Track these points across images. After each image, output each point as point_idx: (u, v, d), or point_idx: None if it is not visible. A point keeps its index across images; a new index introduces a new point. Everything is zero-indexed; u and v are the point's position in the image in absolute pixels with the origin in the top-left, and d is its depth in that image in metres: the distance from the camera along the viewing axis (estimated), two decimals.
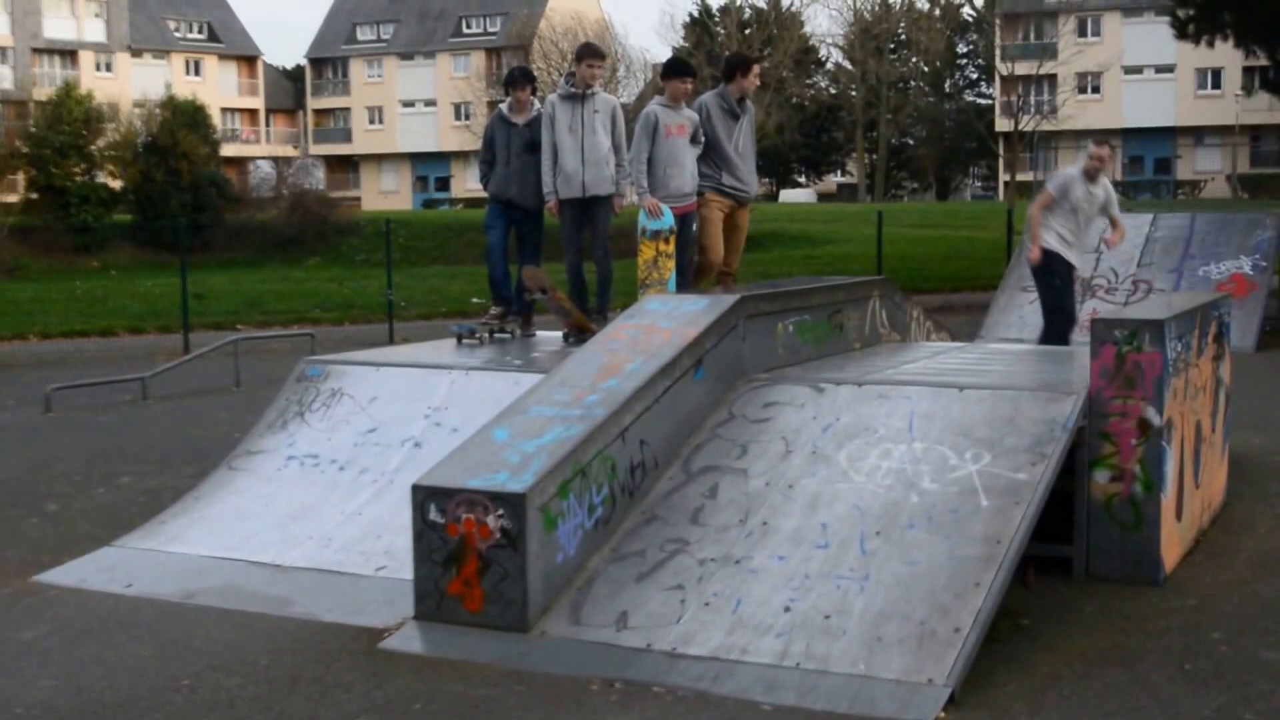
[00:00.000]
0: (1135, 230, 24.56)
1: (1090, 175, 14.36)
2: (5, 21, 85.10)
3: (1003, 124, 78.89)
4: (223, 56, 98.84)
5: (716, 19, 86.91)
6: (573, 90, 12.31)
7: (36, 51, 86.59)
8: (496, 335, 12.84)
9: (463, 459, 8.32)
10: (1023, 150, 70.84)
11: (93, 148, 53.24)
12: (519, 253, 12.97)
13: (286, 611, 8.55)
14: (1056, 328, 14.31)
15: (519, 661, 7.51)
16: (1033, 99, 76.85)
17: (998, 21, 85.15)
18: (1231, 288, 21.90)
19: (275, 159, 78.72)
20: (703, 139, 12.39)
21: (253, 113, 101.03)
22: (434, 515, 7.91)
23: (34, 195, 52.56)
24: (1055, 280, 14.37)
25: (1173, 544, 9.13)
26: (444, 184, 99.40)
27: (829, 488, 8.57)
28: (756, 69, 12.74)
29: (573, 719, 6.84)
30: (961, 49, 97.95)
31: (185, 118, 54.80)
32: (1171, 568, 9.03)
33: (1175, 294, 20.33)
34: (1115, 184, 58.75)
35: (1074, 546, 9.03)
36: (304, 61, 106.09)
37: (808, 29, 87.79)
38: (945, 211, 66.43)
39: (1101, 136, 15.48)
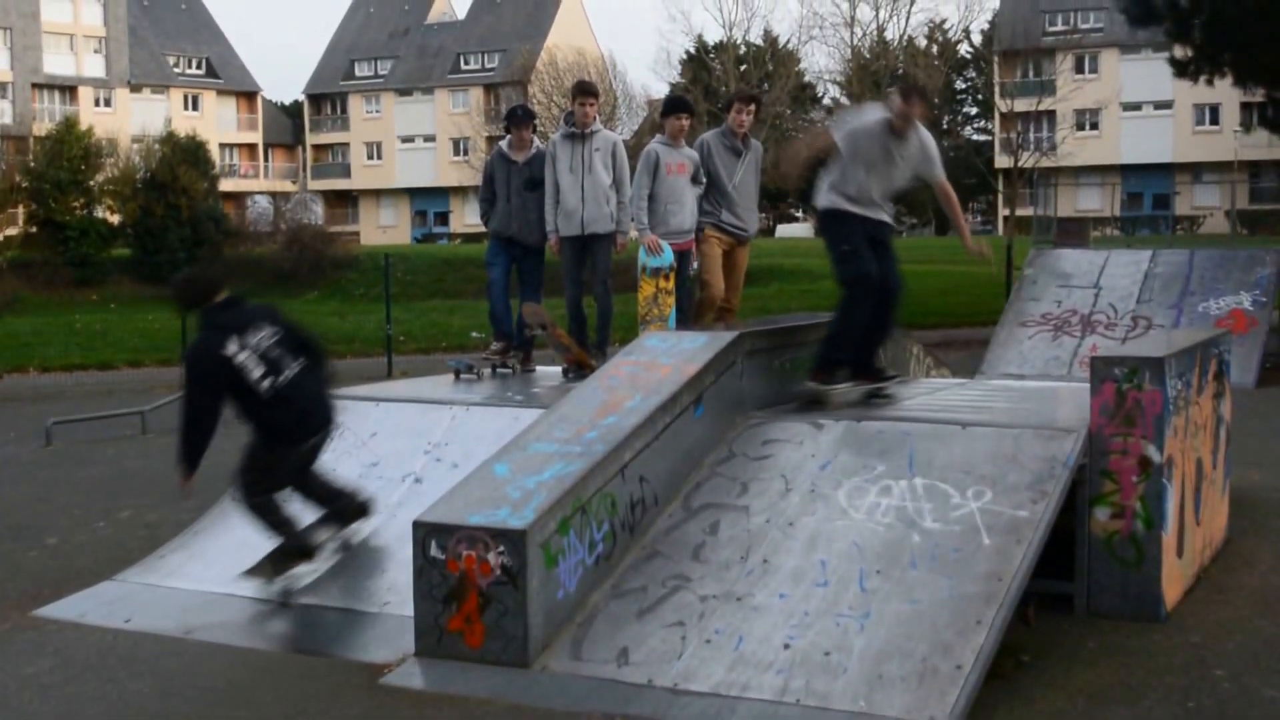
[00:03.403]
0: (1134, 266, 24.63)
1: (896, 131, 10.52)
2: (5, 57, 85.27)
3: (1002, 160, 79.06)
4: (221, 92, 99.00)
5: (713, 56, 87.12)
6: (573, 130, 12.36)
7: (36, 87, 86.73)
8: (499, 370, 12.86)
9: (463, 495, 8.31)
10: (1022, 186, 70.97)
11: (92, 183, 53.38)
12: (520, 289, 13.00)
13: (287, 647, 8.54)
14: (857, 300, 10.66)
15: (520, 697, 7.49)
16: (1032, 135, 77.07)
17: (996, 58, 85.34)
18: (1231, 324, 21.93)
19: (274, 194, 78.89)
20: (704, 179, 12.40)
21: (251, 148, 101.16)
22: (435, 551, 7.91)
23: (33, 230, 52.65)
24: (844, 245, 10.65)
25: (1174, 581, 9.12)
26: (443, 219, 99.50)
27: (828, 525, 8.57)
28: (744, 106, 12.54)
29: None
30: (960, 85, 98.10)
31: (184, 153, 54.91)
32: (1173, 605, 9.02)
33: (1175, 331, 20.36)
34: (1112, 220, 58.27)
35: (1075, 583, 9.03)
36: (302, 97, 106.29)
37: (804, 65, 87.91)
38: (944, 247, 66.38)
39: (910, 86, 11.23)
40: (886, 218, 10.82)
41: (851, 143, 10.52)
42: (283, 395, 9.07)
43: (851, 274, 10.61)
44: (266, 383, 9.01)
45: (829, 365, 10.70)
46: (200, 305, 9.31)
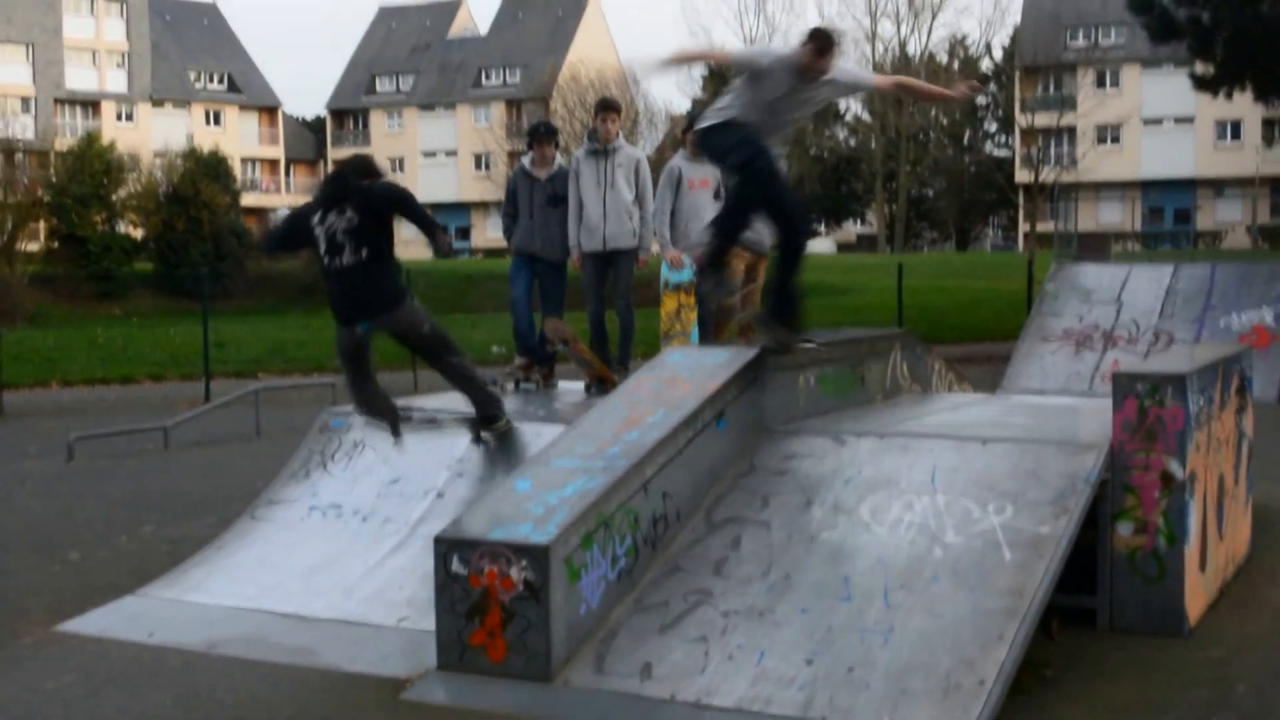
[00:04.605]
0: (1156, 281, 24.57)
1: (807, 79, 9.80)
2: (28, 72, 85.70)
3: (1023, 175, 79.03)
4: (243, 107, 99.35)
5: (734, 72, 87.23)
6: (596, 146, 12.38)
7: (59, 102, 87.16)
8: (521, 386, 12.88)
9: (486, 510, 8.33)
10: (1043, 201, 70.98)
11: (114, 197, 53.59)
12: (541, 304, 13.02)
13: (309, 662, 8.53)
14: (788, 249, 10.39)
15: (542, 711, 7.50)
16: (1052, 150, 77.04)
17: (1017, 74, 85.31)
18: (1253, 339, 21.87)
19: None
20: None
21: (273, 163, 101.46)
22: (457, 566, 7.92)
23: (55, 244, 52.89)
24: (743, 141, 9.97)
25: (1197, 595, 9.10)
26: (464, 234, 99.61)
27: (851, 540, 8.56)
28: None
29: None
30: (981, 101, 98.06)
31: (206, 168, 55.15)
32: (1196, 619, 9.00)
33: (1197, 346, 20.26)
34: (1134, 234, 58.19)
35: (1098, 598, 9.01)
36: (324, 112, 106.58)
37: None
38: (965, 262, 66.42)
39: (830, 35, 9.81)
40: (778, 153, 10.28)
41: (756, 60, 10.09)
42: (335, 276, 10.02)
43: (757, 156, 9.97)
44: (326, 260, 10.00)
45: (793, 313, 10.42)
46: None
